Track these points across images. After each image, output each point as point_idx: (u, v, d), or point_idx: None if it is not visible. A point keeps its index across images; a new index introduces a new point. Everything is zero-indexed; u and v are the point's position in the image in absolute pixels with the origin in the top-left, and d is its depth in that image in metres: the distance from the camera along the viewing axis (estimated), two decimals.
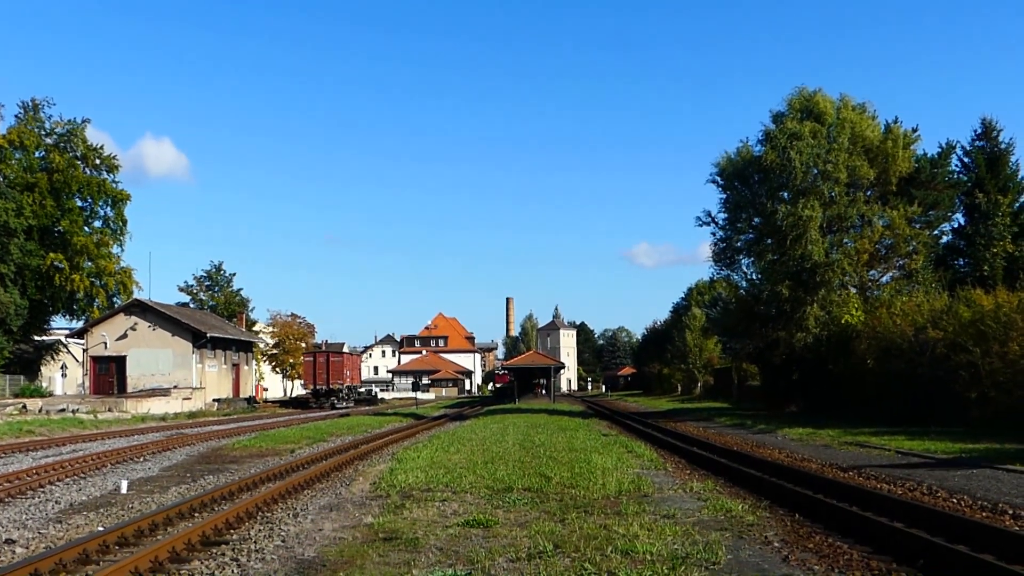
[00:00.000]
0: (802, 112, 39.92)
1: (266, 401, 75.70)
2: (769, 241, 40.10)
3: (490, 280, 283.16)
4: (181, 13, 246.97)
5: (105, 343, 57.38)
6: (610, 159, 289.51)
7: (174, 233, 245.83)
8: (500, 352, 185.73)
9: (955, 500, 12.92)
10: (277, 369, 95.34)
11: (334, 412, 57.06)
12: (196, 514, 12.89)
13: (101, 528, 11.79)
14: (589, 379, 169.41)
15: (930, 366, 29.02)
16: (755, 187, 40.84)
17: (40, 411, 42.15)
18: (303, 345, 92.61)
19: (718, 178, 42.61)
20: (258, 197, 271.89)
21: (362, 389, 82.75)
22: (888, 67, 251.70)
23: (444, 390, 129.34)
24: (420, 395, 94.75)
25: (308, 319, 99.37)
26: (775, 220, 37.96)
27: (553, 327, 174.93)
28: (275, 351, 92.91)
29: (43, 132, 55.64)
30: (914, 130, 40.73)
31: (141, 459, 22.60)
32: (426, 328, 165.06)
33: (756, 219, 41.10)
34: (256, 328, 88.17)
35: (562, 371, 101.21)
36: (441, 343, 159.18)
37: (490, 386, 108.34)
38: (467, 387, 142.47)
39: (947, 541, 9.31)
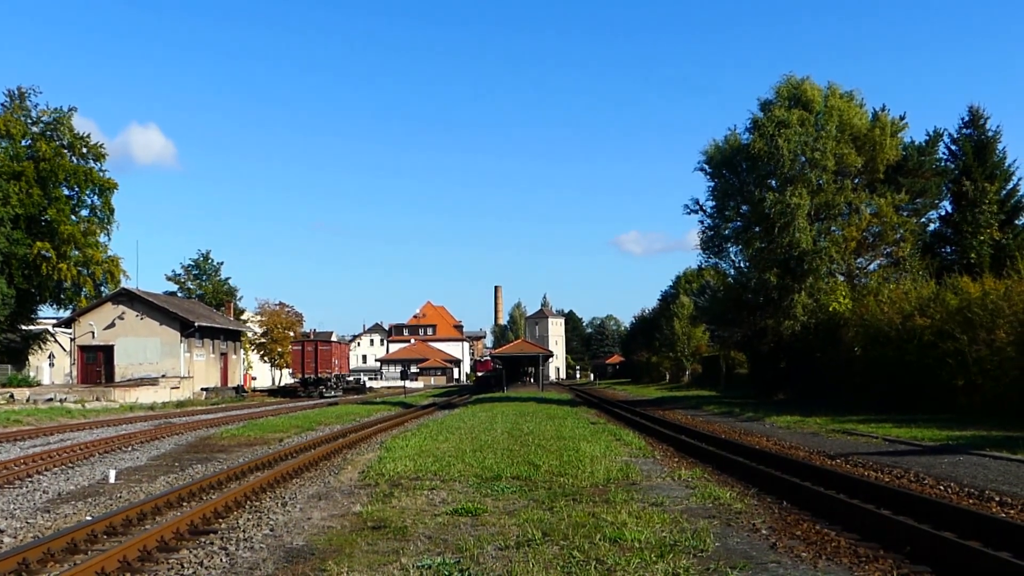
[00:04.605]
0: (790, 100, 39.93)
1: (255, 390, 75.51)
2: (757, 229, 40.18)
3: (479, 269, 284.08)
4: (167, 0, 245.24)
5: (93, 332, 57.15)
6: (599, 147, 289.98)
7: (162, 221, 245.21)
8: (489, 341, 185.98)
9: (942, 487, 12.97)
10: (265, 358, 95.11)
11: (323, 401, 57.01)
12: (184, 503, 12.86)
13: (89, 518, 11.74)
14: (577, 367, 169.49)
15: (917, 354, 29.12)
16: (743, 175, 40.89)
17: (28, 400, 41.96)
18: (291, 334, 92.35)
19: (706, 166, 42.66)
20: (247, 185, 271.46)
21: (351, 378, 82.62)
22: (876, 55, 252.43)
23: (433, 379, 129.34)
24: (409, 384, 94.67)
25: (296, 308, 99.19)
26: (763, 208, 38.02)
27: (541, 315, 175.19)
28: (263, 340, 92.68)
29: (29, 120, 55.15)
30: (902, 118, 40.87)
31: (129, 448, 22.53)
32: (415, 317, 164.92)
33: (744, 207, 41.17)
34: (244, 317, 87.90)
35: (550, 359, 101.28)
36: (430, 332, 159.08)
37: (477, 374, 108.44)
38: (456, 375, 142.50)
39: (934, 528, 9.35)
